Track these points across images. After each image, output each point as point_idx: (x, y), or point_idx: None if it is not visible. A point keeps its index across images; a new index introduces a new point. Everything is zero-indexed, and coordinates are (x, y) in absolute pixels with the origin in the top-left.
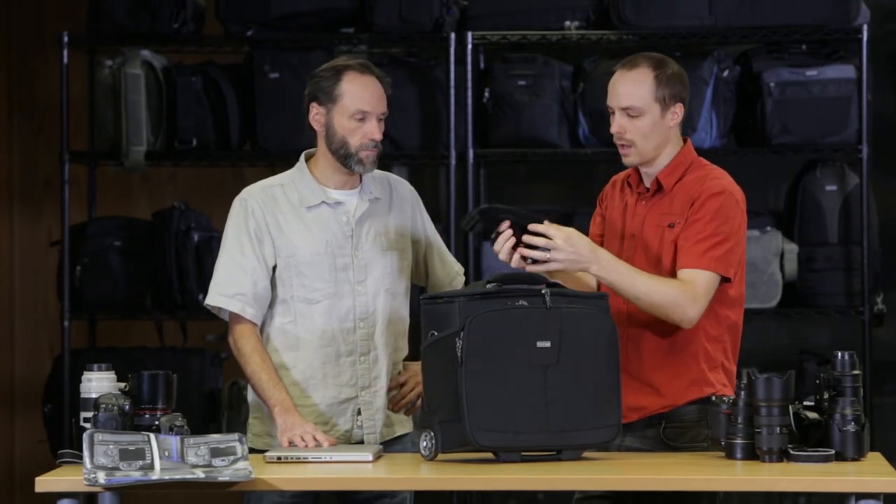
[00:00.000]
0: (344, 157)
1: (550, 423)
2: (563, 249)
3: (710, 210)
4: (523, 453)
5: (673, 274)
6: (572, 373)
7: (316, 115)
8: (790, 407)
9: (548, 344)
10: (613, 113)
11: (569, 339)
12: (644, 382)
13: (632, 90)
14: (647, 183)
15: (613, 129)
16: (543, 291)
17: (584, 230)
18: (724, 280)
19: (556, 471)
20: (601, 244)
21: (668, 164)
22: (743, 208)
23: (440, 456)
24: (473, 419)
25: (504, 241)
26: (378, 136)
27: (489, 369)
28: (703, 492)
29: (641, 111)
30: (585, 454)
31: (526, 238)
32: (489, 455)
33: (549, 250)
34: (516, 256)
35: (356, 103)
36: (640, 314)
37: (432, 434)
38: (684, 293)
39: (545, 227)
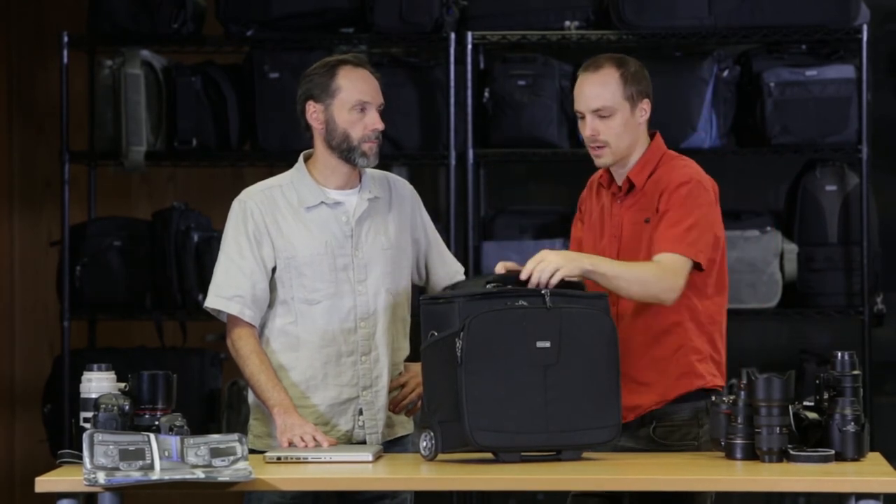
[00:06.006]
0: (347, 152)
1: (550, 424)
2: (549, 258)
3: (678, 199)
4: (523, 454)
5: None
6: (572, 373)
7: (314, 113)
8: (790, 407)
9: (547, 344)
10: (583, 117)
11: (568, 339)
12: (637, 381)
13: (600, 91)
14: (620, 182)
15: (586, 133)
16: (543, 291)
17: None
18: (697, 267)
19: (556, 471)
20: (580, 248)
21: (638, 162)
22: (713, 197)
23: (440, 456)
24: (473, 419)
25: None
26: (380, 126)
27: (489, 369)
28: (696, 492)
29: (613, 110)
30: (585, 454)
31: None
32: (489, 455)
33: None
34: None
35: (356, 95)
36: (628, 314)
37: (432, 434)
38: (662, 269)
39: (525, 267)
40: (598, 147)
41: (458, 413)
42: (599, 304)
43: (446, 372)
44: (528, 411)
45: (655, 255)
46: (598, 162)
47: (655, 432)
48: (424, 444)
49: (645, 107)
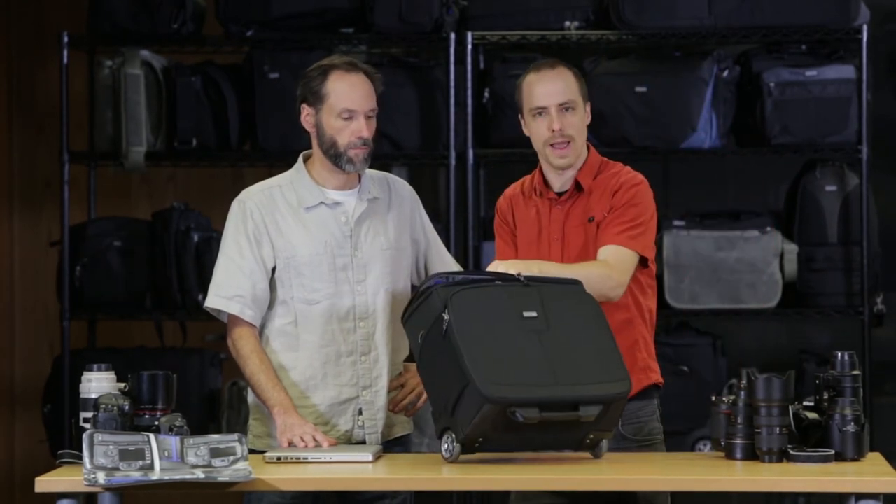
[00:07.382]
0: (335, 157)
1: (560, 378)
2: (496, 269)
3: (630, 196)
4: (543, 413)
5: None
6: (567, 338)
7: (306, 116)
8: (790, 407)
9: (534, 314)
10: (540, 114)
11: (553, 309)
12: None
13: (564, 87)
14: (558, 186)
15: (555, 127)
16: (516, 275)
17: None
18: (643, 264)
19: (557, 471)
20: (516, 257)
21: (584, 166)
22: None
23: (441, 457)
24: (481, 375)
25: None
26: (366, 134)
27: (482, 333)
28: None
29: (576, 104)
30: (582, 455)
31: None
32: (492, 455)
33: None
34: None
35: (342, 102)
36: None
37: (453, 436)
38: (606, 265)
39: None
40: (564, 144)
41: (465, 379)
42: (576, 286)
43: (442, 351)
44: (534, 367)
45: (602, 248)
46: (561, 162)
47: (625, 429)
48: (445, 445)
49: (589, 110)
